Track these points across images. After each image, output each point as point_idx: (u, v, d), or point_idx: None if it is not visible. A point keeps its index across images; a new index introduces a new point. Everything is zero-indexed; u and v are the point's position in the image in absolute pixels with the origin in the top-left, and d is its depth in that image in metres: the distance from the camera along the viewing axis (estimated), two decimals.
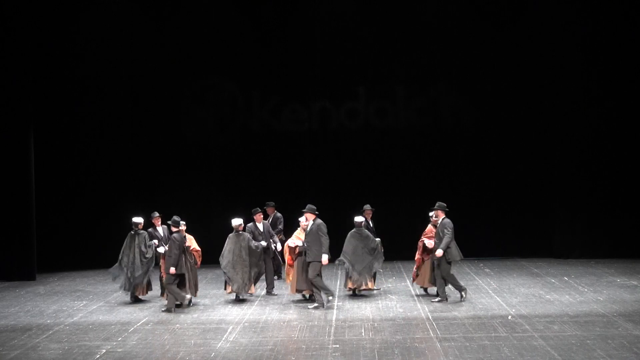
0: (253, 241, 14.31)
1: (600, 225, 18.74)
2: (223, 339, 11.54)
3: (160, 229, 14.72)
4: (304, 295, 14.16)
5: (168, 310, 13.34)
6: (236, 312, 13.34)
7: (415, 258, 14.35)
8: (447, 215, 13.89)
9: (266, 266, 14.79)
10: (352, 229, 14.54)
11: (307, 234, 13.66)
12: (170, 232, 13.76)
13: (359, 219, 14.61)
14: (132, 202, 18.00)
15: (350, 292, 14.53)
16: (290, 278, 14.18)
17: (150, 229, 14.59)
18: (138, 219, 14.42)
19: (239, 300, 14.26)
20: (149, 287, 14.48)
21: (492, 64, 18.95)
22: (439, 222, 13.80)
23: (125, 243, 14.29)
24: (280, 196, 17.35)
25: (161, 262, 13.97)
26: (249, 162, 19.23)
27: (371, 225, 15.21)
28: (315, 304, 13.48)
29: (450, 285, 13.96)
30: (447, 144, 19.23)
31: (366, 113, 19.32)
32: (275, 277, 15.52)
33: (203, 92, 19.14)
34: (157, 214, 14.77)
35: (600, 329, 11.69)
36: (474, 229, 17.83)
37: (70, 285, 16.53)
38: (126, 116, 18.89)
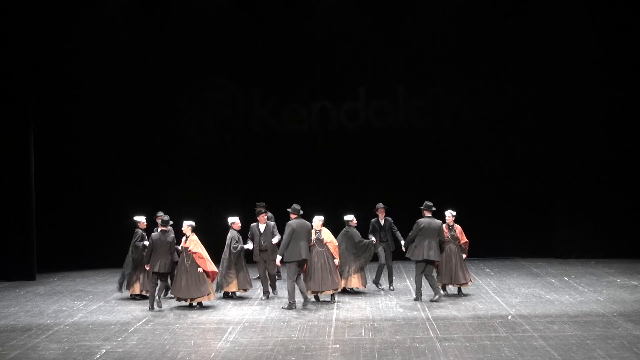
0: (236, 242, 14.33)
1: (600, 225, 18.75)
2: (223, 339, 11.54)
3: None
4: (316, 297, 14.10)
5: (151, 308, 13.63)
6: (236, 312, 13.34)
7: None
8: (434, 214, 14.14)
9: (260, 271, 14.87)
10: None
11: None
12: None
13: (348, 217, 14.69)
14: (132, 202, 18.02)
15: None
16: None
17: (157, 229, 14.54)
18: (137, 218, 14.53)
19: (239, 301, 14.28)
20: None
21: (493, 64, 18.96)
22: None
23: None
24: (280, 196, 17.33)
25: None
26: (249, 162, 19.24)
27: (382, 223, 15.11)
28: (288, 305, 13.56)
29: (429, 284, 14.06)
30: (447, 144, 19.23)
31: (366, 113, 19.33)
32: (277, 276, 15.40)
33: (203, 92, 19.14)
34: (161, 213, 14.74)
35: (600, 329, 11.69)
36: (474, 229, 17.78)
37: (70, 285, 16.53)
38: (126, 116, 18.88)
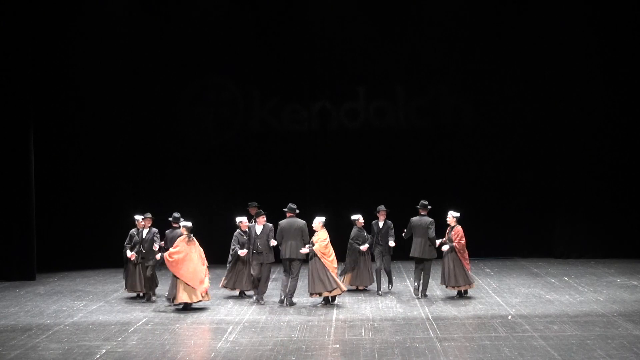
0: (234, 245, 14.37)
1: (600, 225, 18.75)
2: (223, 339, 11.54)
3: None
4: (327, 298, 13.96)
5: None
6: (236, 312, 13.34)
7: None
8: (430, 214, 14.35)
9: (254, 273, 14.76)
10: (350, 228, 14.75)
11: None
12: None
13: (354, 216, 14.77)
14: (132, 201, 18.04)
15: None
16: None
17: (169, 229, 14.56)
18: (136, 217, 14.66)
19: (239, 301, 14.29)
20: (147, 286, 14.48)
21: (493, 64, 18.94)
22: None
23: None
24: (280, 196, 17.30)
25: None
26: (249, 162, 19.23)
27: (380, 226, 14.84)
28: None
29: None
30: (447, 144, 19.22)
31: (366, 113, 19.32)
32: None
33: (203, 92, 19.14)
34: (149, 215, 14.62)
35: (600, 329, 11.69)
36: (474, 228, 17.77)
37: (70, 285, 16.53)
38: (126, 116, 18.86)
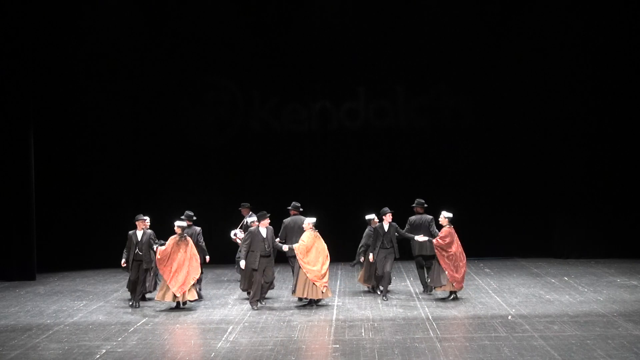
0: (239, 253, 14.42)
1: (600, 225, 18.75)
2: (223, 339, 11.54)
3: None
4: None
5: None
6: (236, 312, 13.34)
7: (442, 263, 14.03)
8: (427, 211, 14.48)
9: (257, 277, 14.72)
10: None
11: None
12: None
13: (369, 216, 14.77)
14: (132, 202, 18.03)
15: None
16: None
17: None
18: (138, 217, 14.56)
19: (239, 301, 14.30)
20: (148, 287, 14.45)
21: (493, 64, 18.95)
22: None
23: None
24: (279, 196, 17.32)
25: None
26: (249, 162, 19.23)
27: (386, 229, 14.31)
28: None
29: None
30: (447, 144, 19.22)
31: (366, 113, 19.32)
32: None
33: (203, 92, 19.14)
34: (143, 217, 14.59)
35: (600, 329, 11.69)
36: (474, 228, 17.82)
37: (70, 285, 16.53)
38: (126, 116, 18.88)
